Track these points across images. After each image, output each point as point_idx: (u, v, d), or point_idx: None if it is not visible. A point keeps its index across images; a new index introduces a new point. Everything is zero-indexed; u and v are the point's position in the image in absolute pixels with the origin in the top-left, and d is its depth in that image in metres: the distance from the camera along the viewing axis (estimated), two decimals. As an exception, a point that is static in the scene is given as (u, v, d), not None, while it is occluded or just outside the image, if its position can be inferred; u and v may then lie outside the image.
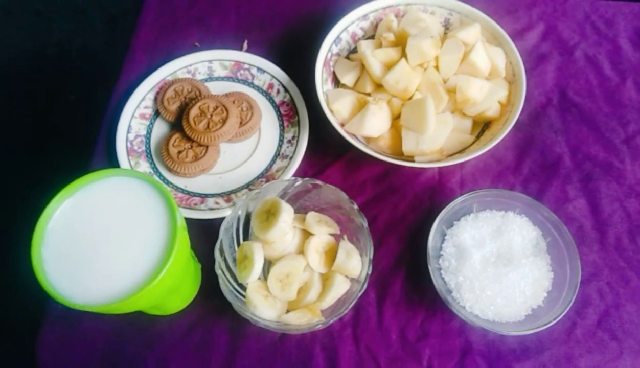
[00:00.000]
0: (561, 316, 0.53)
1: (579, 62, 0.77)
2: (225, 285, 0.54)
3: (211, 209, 0.63)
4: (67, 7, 1.78)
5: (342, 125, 0.66)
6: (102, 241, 0.45)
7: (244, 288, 0.55)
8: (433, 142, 0.63)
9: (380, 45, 0.69)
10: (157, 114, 0.72)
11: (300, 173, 0.68)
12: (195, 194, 0.66)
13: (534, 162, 0.69)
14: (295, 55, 0.75)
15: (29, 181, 1.35)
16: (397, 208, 0.66)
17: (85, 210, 0.47)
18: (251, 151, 0.70)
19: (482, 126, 0.68)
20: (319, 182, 0.58)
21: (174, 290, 0.53)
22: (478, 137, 0.67)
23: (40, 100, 1.61)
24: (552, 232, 0.59)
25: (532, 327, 0.53)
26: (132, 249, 0.45)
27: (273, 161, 0.68)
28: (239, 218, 0.58)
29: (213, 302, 0.59)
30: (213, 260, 0.54)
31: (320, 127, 0.67)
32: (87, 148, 0.72)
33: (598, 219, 0.65)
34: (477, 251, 0.58)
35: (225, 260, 0.56)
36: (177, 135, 0.68)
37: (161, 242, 0.46)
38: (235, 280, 0.56)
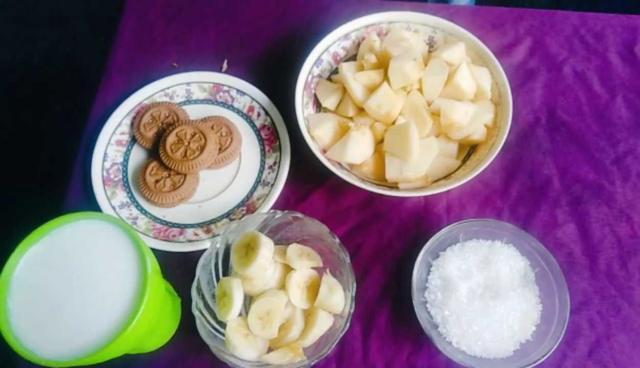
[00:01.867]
0: (550, 353, 0.52)
1: (568, 78, 0.74)
2: (203, 326, 0.52)
3: (190, 241, 0.61)
4: (50, 14, 1.74)
5: (325, 151, 0.64)
6: (71, 289, 0.43)
7: (223, 325, 0.53)
8: (417, 168, 0.61)
9: (362, 68, 0.67)
10: (134, 140, 0.69)
11: (282, 200, 0.65)
12: (173, 225, 0.64)
13: (522, 185, 0.67)
14: (277, 75, 0.72)
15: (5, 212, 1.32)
16: (382, 235, 0.64)
17: (53, 256, 0.45)
18: (231, 178, 0.67)
19: (468, 150, 0.66)
20: (299, 214, 0.56)
21: (150, 333, 0.52)
22: (464, 161, 0.65)
23: (26, 111, 1.58)
24: (540, 263, 0.57)
25: (520, 365, 0.51)
26: (101, 298, 0.43)
27: (254, 188, 0.66)
28: (217, 253, 0.56)
29: (194, 338, 0.56)
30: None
31: (302, 151, 0.65)
32: (68, 172, 0.70)
33: (588, 245, 0.63)
34: (464, 283, 0.56)
35: (203, 298, 0.54)
36: (154, 164, 0.66)
37: (132, 289, 0.44)
38: (215, 317, 0.54)
